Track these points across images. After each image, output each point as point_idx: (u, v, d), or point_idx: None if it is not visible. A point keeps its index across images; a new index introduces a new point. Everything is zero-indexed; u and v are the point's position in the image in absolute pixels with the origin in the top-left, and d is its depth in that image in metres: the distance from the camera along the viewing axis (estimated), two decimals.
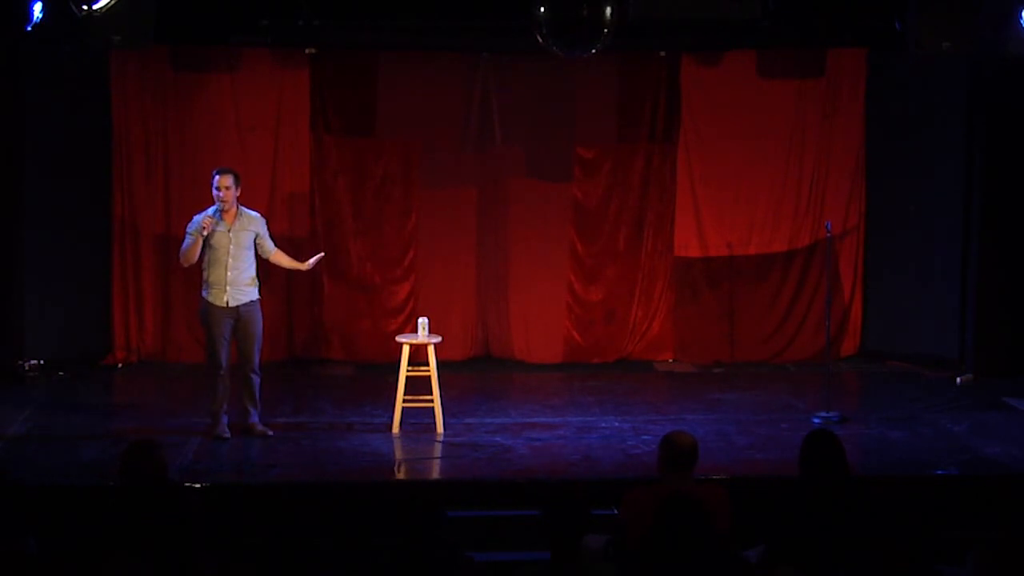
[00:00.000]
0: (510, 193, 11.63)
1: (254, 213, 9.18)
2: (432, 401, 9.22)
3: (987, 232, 11.02)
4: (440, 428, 9.21)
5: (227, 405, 8.98)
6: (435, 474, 8.67)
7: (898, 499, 7.62)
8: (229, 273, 8.90)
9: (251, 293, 9.03)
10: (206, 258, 8.95)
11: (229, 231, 8.94)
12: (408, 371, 9.23)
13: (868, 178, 11.73)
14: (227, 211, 8.95)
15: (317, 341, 11.60)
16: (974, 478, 8.31)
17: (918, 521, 7.31)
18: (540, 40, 8.79)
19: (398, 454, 8.85)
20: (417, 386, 9.20)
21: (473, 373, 11.23)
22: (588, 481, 8.17)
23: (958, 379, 10.89)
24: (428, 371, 9.22)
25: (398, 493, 8.20)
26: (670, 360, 11.79)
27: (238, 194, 9.02)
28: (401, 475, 8.55)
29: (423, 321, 9.43)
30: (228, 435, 8.93)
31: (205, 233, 8.86)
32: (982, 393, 10.47)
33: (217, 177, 8.97)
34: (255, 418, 9.06)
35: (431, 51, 11.40)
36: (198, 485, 7.81)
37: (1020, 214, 10.96)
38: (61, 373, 10.85)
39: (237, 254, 8.93)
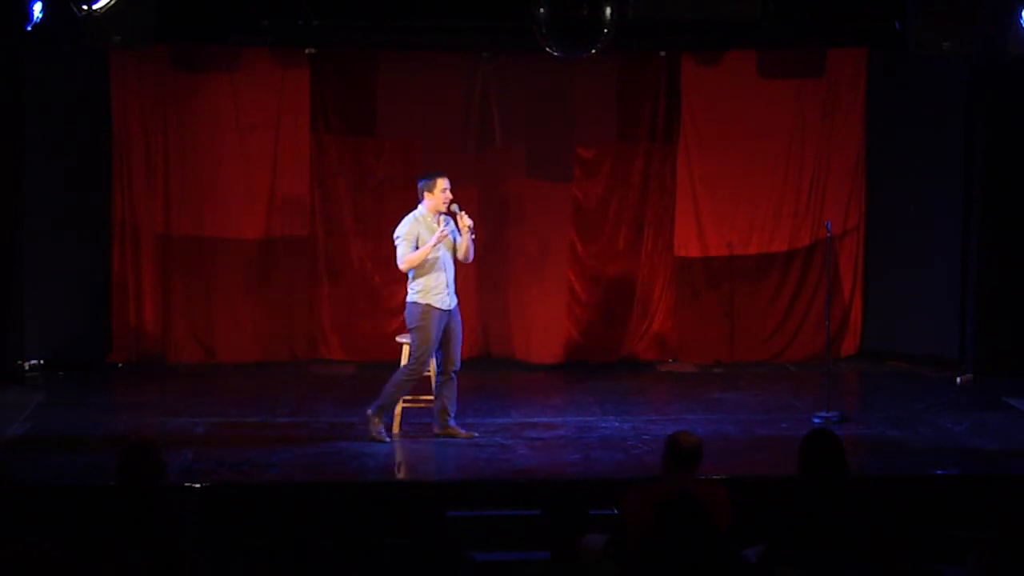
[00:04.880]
0: (510, 193, 11.62)
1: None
2: (432, 401, 9.21)
3: (987, 232, 11.01)
4: None
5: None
6: (435, 474, 8.67)
7: (898, 499, 7.63)
8: (448, 275, 8.88)
9: None
10: (424, 264, 8.82)
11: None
12: None
13: (868, 178, 11.73)
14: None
15: (317, 341, 11.60)
16: (974, 478, 8.30)
17: (918, 521, 7.33)
18: (540, 40, 8.78)
19: (398, 454, 8.85)
20: (417, 386, 9.19)
21: (473, 373, 11.20)
22: (588, 481, 8.16)
23: (958, 379, 10.88)
24: (428, 371, 9.21)
25: (398, 493, 8.20)
26: (670, 360, 11.79)
27: None
28: (401, 475, 8.55)
29: None
30: (389, 439, 8.95)
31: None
32: (982, 393, 10.46)
33: (446, 180, 8.86)
34: (454, 421, 9.06)
35: (431, 51, 11.39)
36: (198, 485, 7.81)
37: (1020, 214, 10.95)
38: (61, 373, 10.85)
39: (448, 257, 8.93)
